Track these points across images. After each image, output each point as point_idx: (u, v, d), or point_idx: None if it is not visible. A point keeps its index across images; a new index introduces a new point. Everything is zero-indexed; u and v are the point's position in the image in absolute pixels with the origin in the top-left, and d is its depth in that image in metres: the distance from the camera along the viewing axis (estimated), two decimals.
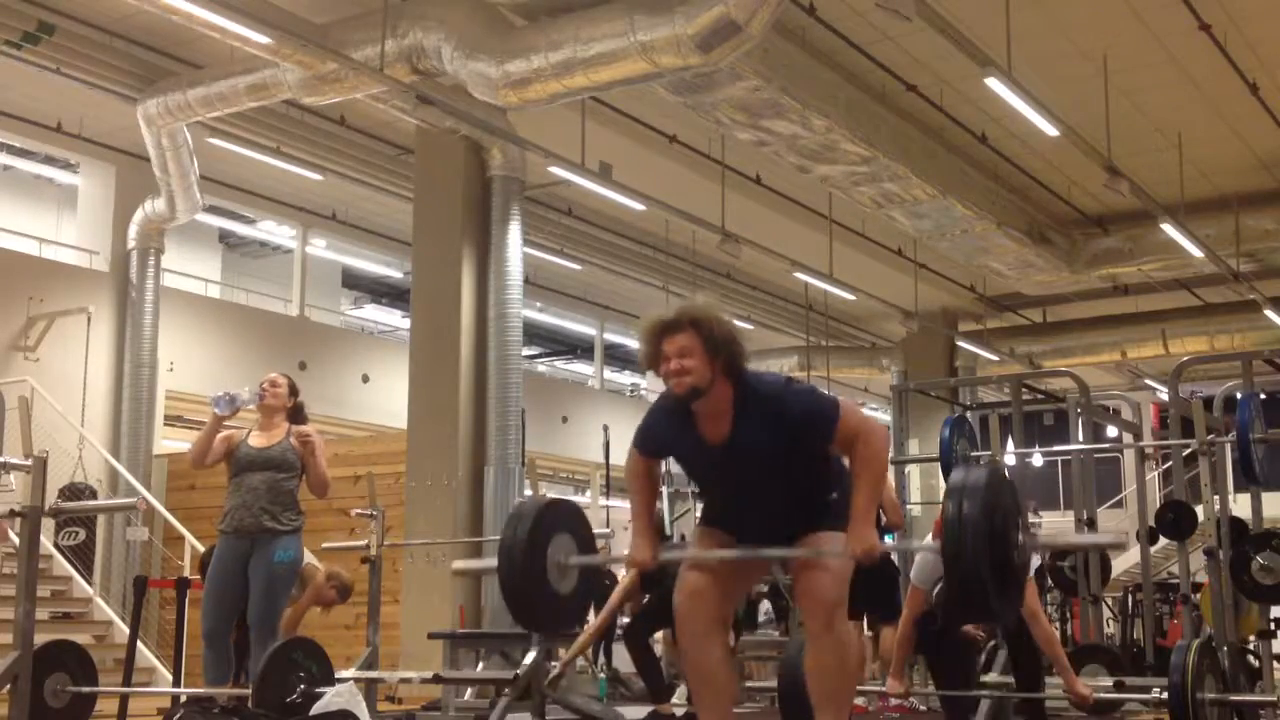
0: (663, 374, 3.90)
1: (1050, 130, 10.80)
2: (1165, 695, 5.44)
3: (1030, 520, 6.17)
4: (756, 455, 3.89)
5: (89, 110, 12.59)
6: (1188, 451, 9.35)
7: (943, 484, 9.31)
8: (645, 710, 7.55)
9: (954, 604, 4.92)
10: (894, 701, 7.13)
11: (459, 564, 6.66)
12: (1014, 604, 4.03)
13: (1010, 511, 3.84)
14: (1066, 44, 11.14)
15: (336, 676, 6.07)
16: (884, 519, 7.67)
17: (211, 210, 15.16)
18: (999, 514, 3.76)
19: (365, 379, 16.05)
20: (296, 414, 6.50)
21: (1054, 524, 14.32)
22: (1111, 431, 15.46)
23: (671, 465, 4.76)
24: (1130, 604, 13.07)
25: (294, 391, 6.52)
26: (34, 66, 10.81)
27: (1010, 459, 10.23)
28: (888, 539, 8.50)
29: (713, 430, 3.92)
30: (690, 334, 3.83)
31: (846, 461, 3.96)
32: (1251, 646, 8.64)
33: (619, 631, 9.58)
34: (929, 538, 6.33)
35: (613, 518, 14.44)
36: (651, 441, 4.10)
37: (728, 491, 4.09)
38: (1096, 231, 15.70)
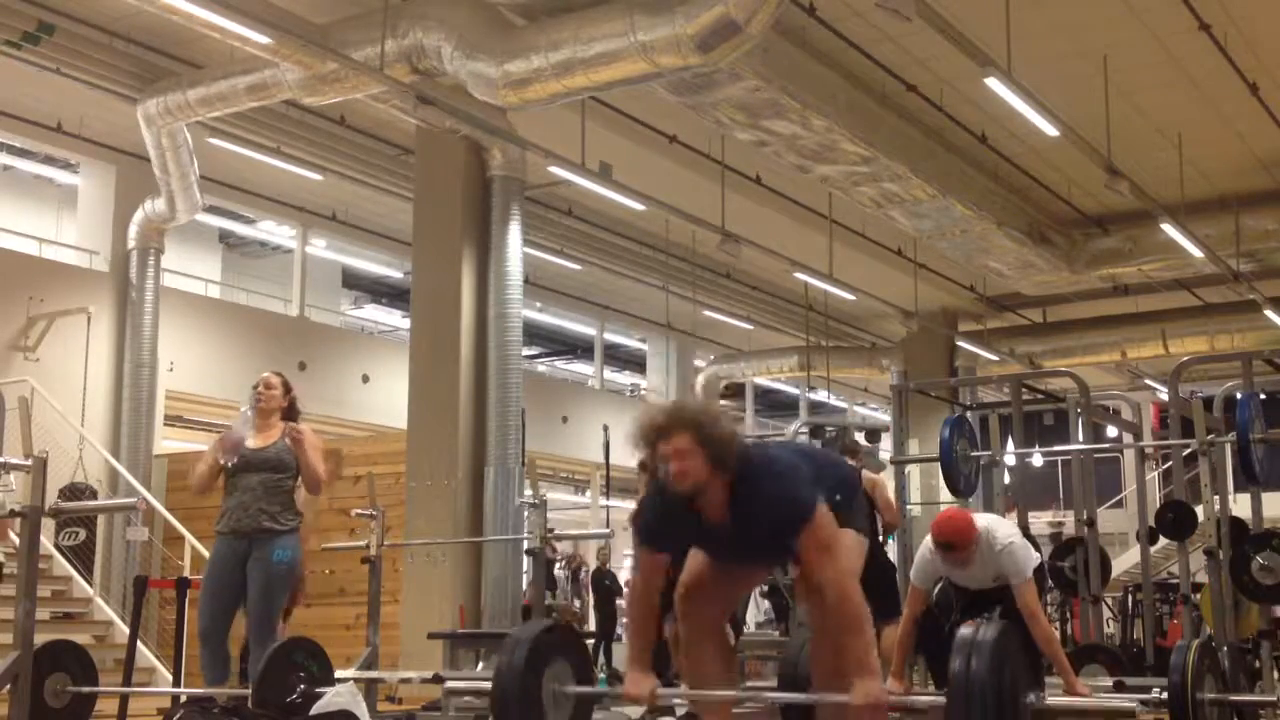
0: (662, 472, 3.99)
1: (1050, 130, 10.80)
2: (1165, 695, 5.44)
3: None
4: (749, 537, 4.00)
5: (89, 110, 12.59)
6: (1188, 451, 9.34)
7: (943, 484, 9.32)
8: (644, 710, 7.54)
9: None
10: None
11: (451, 684, 6.53)
12: None
13: (1019, 671, 3.75)
14: (1066, 44, 11.14)
15: (336, 676, 6.06)
16: (881, 520, 7.67)
17: (211, 210, 15.16)
18: (1007, 673, 3.67)
19: (365, 379, 16.05)
20: (291, 411, 6.45)
21: (1054, 524, 14.32)
22: (1111, 431, 15.46)
23: None
24: (1130, 604, 13.06)
25: (287, 389, 6.47)
26: (34, 66, 10.82)
27: (1010, 459, 10.23)
28: (889, 540, 8.51)
29: (713, 513, 4.00)
30: (689, 437, 3.91)
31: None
32: (1251, 646, 8.64)
33: (620, 632, 9.60)
34: (930, 536, 6.33)
35: (613, 518, 14.45)
36: (658, 536, 4.13)
37: (728, 561, 4.19)
38: (1096, 231, 15.70)
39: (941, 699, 3.91)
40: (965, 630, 3.84)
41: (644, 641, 4.14)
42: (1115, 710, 5.30)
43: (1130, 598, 13.07)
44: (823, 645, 3.99)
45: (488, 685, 4.30)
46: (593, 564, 15.70)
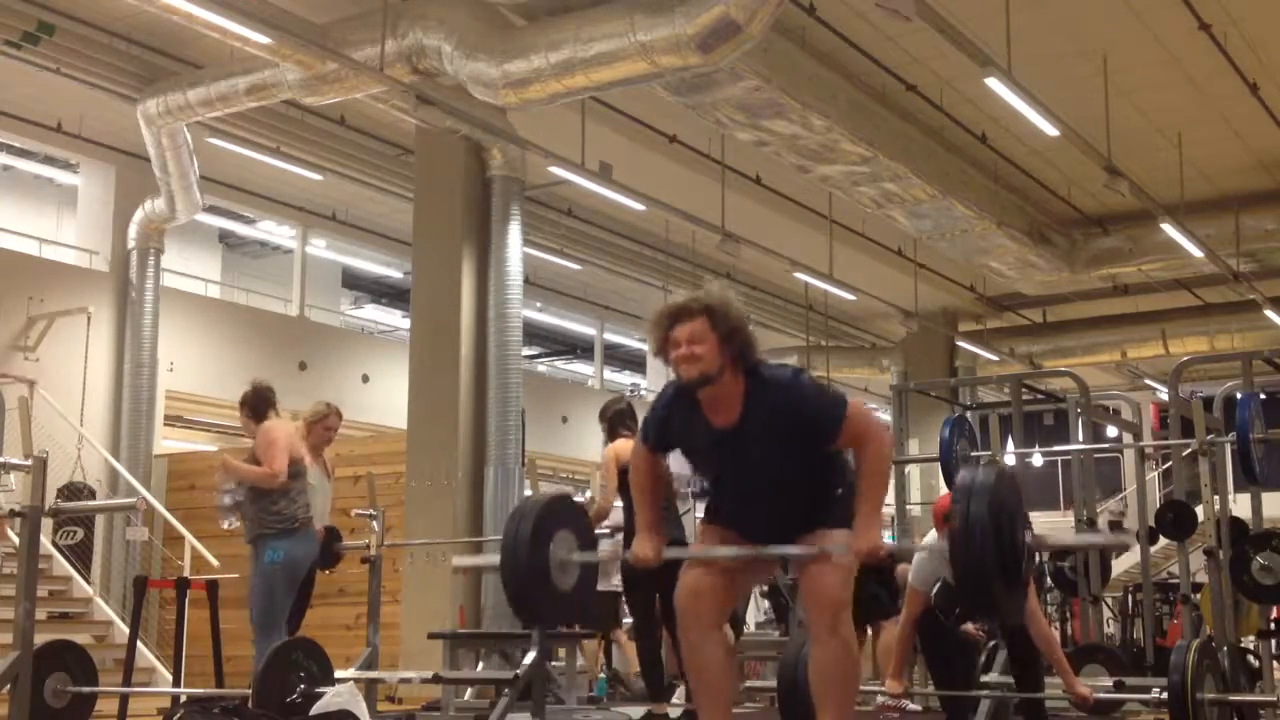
0: (672, 360, 3.89)
1: (1050, 130, 10.80)
2: (1165, 695, 5.44)
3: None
4: (763, 445, 3.89)
5: (89, 110, 12.59)
6: (1188, 451, 9.34)
7: (943, 484, 9.33)
8: (644, 710, 7.54)
9: (961, 598, 4.96)
10: (889, 701, 7.12)
11: (459, 560, 6.66)
12: (1019, 602, 4.08)
13: (1016, 511, 3.87)
14: (1066, 44, 11.14)
15: (336, 676, 6.08)
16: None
17: (211, 210, 15.17)
18: (1005, 513, 3.81)
19: (365, 379, 16.05)
20: (256, 415, 6.73)
21: (1054, 524, 14.32)
22: (1111, 431, 15.46)
23: (672, 464, 4.74)
24: (1130, 604, 13.07)
25: (244, 402, 6.77)
26: (34, 66, 10.81)
27: (1010, 459, 10.22)
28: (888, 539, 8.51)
29: (720, 418, 3.91)
30: (703, 321, 3.83)
31: (851, 459, 3.97)
32: (1252, 646, 8.65)
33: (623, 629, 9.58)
34: (930, 535, 6.33)
35: (613, 518, 14.42)
36: (658, 433, 4.09)
37: (732, 482, 4.08)
38: (1096, 231, 15.70)
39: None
40: (964, 475, 3.92)
41: (650, 511, 4.16)
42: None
43: (1130, 598, 13.08)
44: (819, 652, 3.97)
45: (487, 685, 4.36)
46: None
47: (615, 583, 11.98)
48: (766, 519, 4.03)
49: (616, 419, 7.31)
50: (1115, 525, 17.21)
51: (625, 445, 6.85)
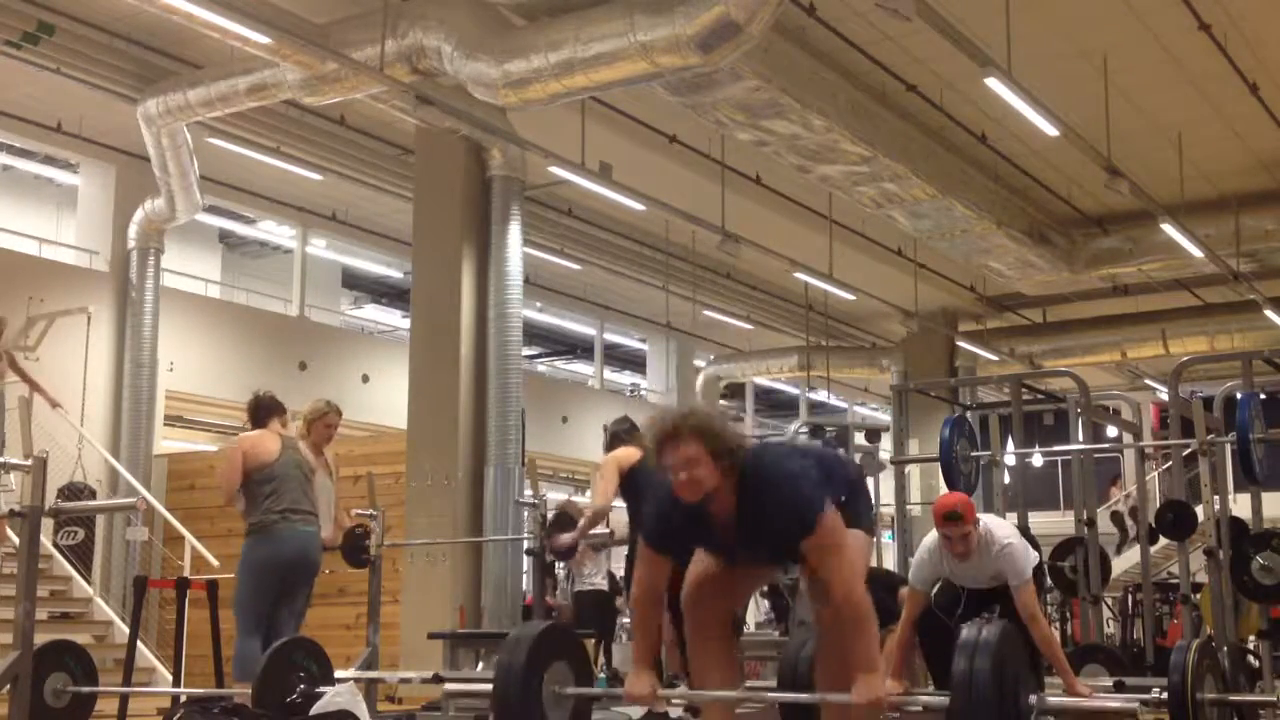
0: (672, 480, 3.94)
1: (1050, 130, 10.80)
2: (1165, 695, 5.43)
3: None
4: (762, 533, 3.97)
5: (89, 110, 12.59)
6: (1188, 451, 9.34)
7: (943, 484, 9.32)
8: (645, 710, 7.54)
9: None
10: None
11: (450, 686, 6.58)
12: None
13: (1019, 671, 3.81)
14: (1066, 44, 11.14)
15: (336, 676, 6.07)
16: None
17: (211, 210, 15.16)
18: (1009, 671, 3.73)
19: (365, 379, 16.05)
20: (252, 423, 7.06)
21: (1054, 524, 14.31)
22: (1111, 431, 15.45)
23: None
24: (1130, 604, 13.06)
25: (247, 410, 7.11)
26: (34, 66, 10.82)
27: (1010, 459, 10.23)
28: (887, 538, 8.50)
29: (719, 514, 3.98)
30: (696, 445, 3.88)
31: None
32: (1252, 646, 8.65)
33: (619, 632, 9.58)
34: (930, 535, 6.33)
35: (613, 518, 14.41)
36: (667, 537, 4.10)
37: (734, 558, 4.15)
38: (1096, 231, 15.70)
39: (941, 698, 3.93)
40: (968, 631, 3.87)
41: (647, 642, 4.14)
42: (1115, 710, 5.30)
43: (1130, 598, 13.07)
44: (827, 646, 3.98)
45: (487, 686, 4.32)
46: None
47: (599, 581, 11.98)
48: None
49: (619, 435, 7.48)
50: (1117, 518, 17.22)
51: (626, 452, 6.96)
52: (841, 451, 11.35)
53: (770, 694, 4.10)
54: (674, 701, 7.68)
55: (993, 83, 9.79)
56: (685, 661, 7.64)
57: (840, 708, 3.97)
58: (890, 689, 6.46)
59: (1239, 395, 8.36)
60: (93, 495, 11.55)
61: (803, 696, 3.89)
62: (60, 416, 11.22)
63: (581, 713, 4.34)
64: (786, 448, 4.30)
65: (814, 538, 3.88)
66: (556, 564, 11.26)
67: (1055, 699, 5.13)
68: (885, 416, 24.20)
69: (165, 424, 14.23)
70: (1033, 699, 3.86)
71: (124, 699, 7.24)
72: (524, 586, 10.91)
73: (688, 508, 3.97)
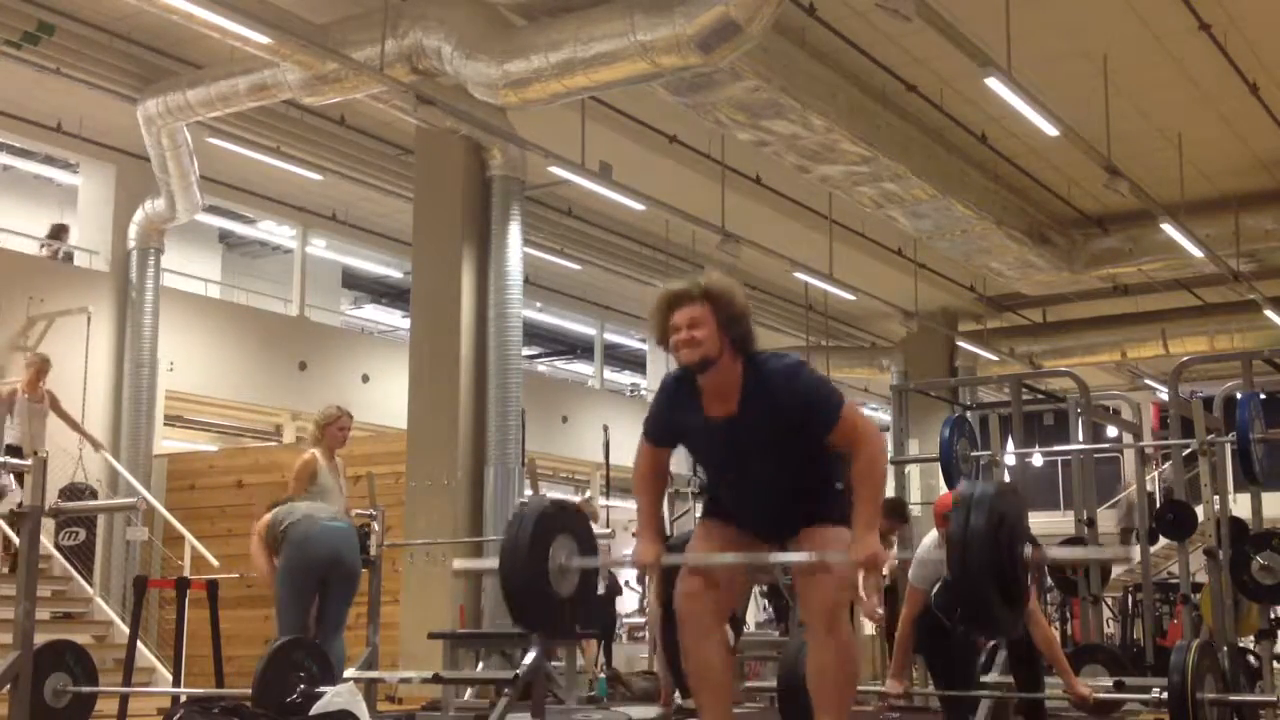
0: (672, 344, 3.89)
1: (1050, 130, 10.80)
2: (1165, 695, 5.44)
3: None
4: (762, 433, 3.89)
5: (89, 110, 12.59)
6: (1188, 451, 9.35)
7: (943, 484, 9.33)
8: (647, 710, 7.55)
9: (960, 615, 4.96)
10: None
11: (459, 563, 6.69)
12: (1017, 617, 4.09)
13: (1017, 525, 3.85)
14: (1066, 44, 11.14)
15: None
16: None
17: (211, 210, 15.16)
18: (1005, 527, 3.78)
19: (365, 379, 16.05)
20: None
21: (1054, 524, 14.31)
22: (1111, 431, 15.46)
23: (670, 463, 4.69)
24: (1130, 604, 13.08)
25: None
26: (34, 66, 10.81)
27: (1010, 459, 10.23)
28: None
29: (719, 407, 3.91)
30: (703, 305, 3.85)
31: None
32: (1252, 646, 8.65)
33: (619, 632, 9.58)
34: (930, 535, 6.33)
35: (613, 518, 14.44)
36: (660, 425, 4.09)
37: (731, 472, 4.08)
38: (1096, 231, 15.70)
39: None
40: (965, 487, 3.93)
41: (650, 513, 4.15)
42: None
43: (1130, 598, 13.08)
44: (816, 654, 3.96)
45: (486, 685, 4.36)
46: None
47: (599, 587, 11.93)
48: (766, 511, 4.04)
49: None
50: (1127, 534, 17.20)
51: None
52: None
53: (770, 556, 4.07)
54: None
55: (993, 83, 9.80)
56: (677, 680, 7.65)
57: (830, 690, 3.93)
58: (890, 689, 6.50)
59: (1239, 395, 8.37)
60: (94, 495, 11.55)
61: (798, 556, 3.89)
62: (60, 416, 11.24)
63: (586, 583, 4.48)
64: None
65: (839, 426, 3.84)
66: None
67: (1054, 550, 5.22)
68: (885, 416, 24.18)
69: (165, 424, 14.23)
70: (1029, 551, 3.93)
71: (124, 699, 7.25)
72: None
73: (687, 395, 3.92)
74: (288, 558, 6.69)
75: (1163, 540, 10.21)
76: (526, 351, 17.87)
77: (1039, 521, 10.23)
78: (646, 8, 8.73)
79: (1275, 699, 6.63)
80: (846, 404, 3.91)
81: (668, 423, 4.08)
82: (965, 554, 3.73)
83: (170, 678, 8.50)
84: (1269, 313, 16.00)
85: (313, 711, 5.67)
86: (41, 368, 10.88)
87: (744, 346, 3.89)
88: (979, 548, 3.71)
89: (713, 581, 4.01)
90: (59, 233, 14.01)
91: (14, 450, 9.78)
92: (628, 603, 15.39)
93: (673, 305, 3.90)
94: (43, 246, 13.98)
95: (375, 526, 7.58)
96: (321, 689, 5.77)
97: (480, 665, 9.34)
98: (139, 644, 8.30)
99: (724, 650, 4.03)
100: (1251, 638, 8.59)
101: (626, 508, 19.64)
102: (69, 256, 13.93)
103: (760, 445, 3.91)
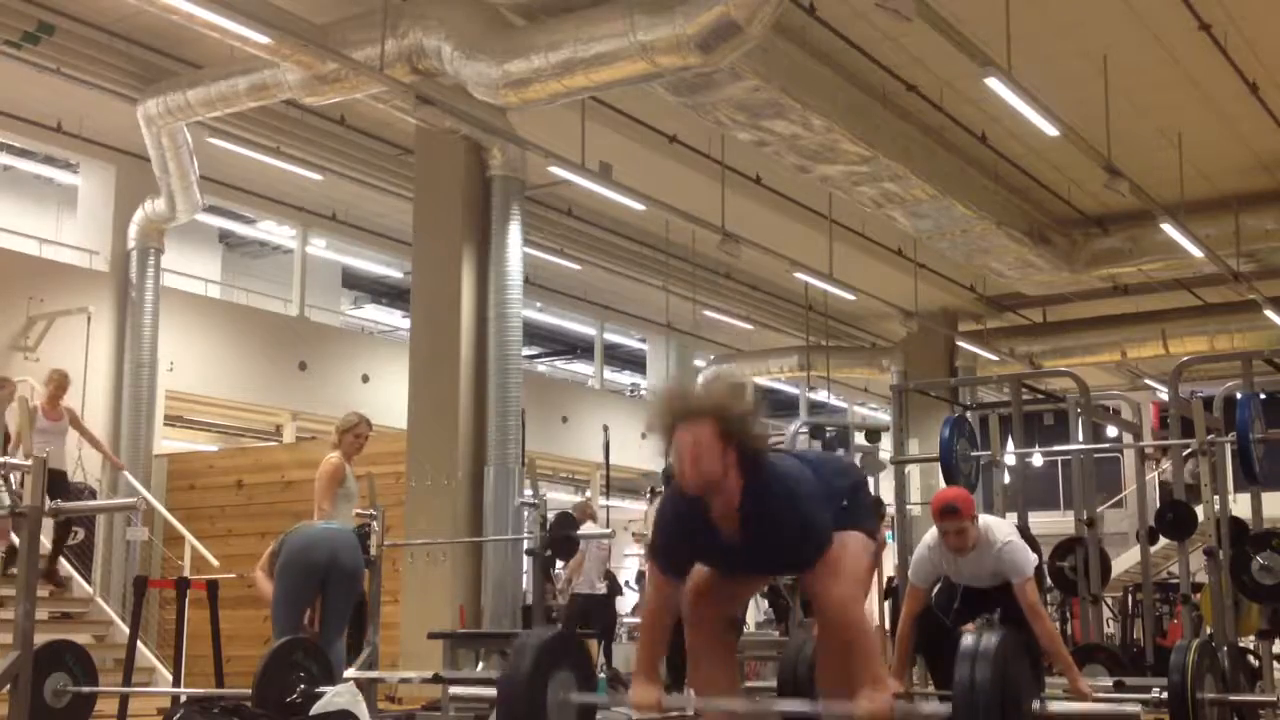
0: (675, 469, 3.79)
1: (1050, 130, 10.80)
2: (1165, 695, 5.44)
3: None
4: (766, 551, 3.85)
5: (89, 110, 12.59)
6: (1188, 451, 9.34)
7: (943, 484, 9.32)
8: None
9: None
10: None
11: (456, 690, 6.58)
12: None
13: (1020, 679, 3.80)
14: (1066, 44, 11.14)
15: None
16: None
17: (211, 210, 15.16)
18: (1010, 684, 3.71)
19: (365, 379, 16.05)
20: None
21: (1054, 524, 14.31)
22: (1111, 431, 15.45)
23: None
24: (1130, 604, 13.07)
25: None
26: (34, 66, 10.82)
27: (1010, 459, 10.22)
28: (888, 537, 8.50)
29: (726, 525, 3.83)
30: (709, 428, 3.68)
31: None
32: (1252, 646, 8.64)
33: (619, 632, 9.58)
34: (930, 534, 6.33)
35: (613, 518, 14.44)
36: (672, 554, 3.97)
37: (738, 570, 4.06)
38: (1096, 231, 15.70)
39: (944, 708, 3.92)
40: (968, 639, 3.85)
41: (653, 653, 4.08)
42: (1118, 715, 5.31)
43: (1130, 598, 13.08)
44: (827, 653, 3.97)
45: (487, 689, 4.33)
46: None
47: (599, 586, 11.99)
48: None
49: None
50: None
51: None
52: (842, 452, 11.38)
53: (774, 704, 4.08)
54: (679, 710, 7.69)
55: (993, 83, 9.79)
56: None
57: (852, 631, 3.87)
58: (890, 688, 6.50)
59: (1239, 395, 8.35)
60: (93, 495, 11.55)
61: (805, 706, 3.86)
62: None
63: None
64: (791, 458, 4.12)
65: (819, 565, 3.79)
66: (556, 564, 11.27)
67: (1058, 705, 5.15)
68: (885, 416, 24.19)
69: (165, 424, 14.23)
70: (1035, 704, 3.87)
71: (124, 699, 7.25)
72: (524, 586, 10.91)
73: (693, 517, 3.84)
74: (286, 559, 6.70)
75: (1163, 540, 10.19)
76: (526, 351, 17.87)
77: (1039, 521, 10.24)
78: (646, 8, 8.73)
79: (1275, 699, 6.62)
80: (832, 550, 3.81)
81: (681, 551, 3.96)
82: (971, 716, 3.66)
83: (170, 678, 8.50)
84: (1269, 313, 16.00)
85: (313, 711, 5.66)
86: (61, 384, 10.21)
87: (747, 455, 3.75)
88: (984, 707, 3.64)
89: (717, 584, 4.02)
90: None
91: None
92: (628, 603, 15.39)
93: (677, 420, 3.74)
94: None
95: (375, 526, 7.57)
96: (321, 689, 5.77)
97: (480, 665, 9.34)
98: (139, 644, 8.30)
99: (728, 656, 4.05)
100: (1251, 638, 8.59)
101: (626, 508, 19.66)
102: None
103: (766, 558, 3.92)
